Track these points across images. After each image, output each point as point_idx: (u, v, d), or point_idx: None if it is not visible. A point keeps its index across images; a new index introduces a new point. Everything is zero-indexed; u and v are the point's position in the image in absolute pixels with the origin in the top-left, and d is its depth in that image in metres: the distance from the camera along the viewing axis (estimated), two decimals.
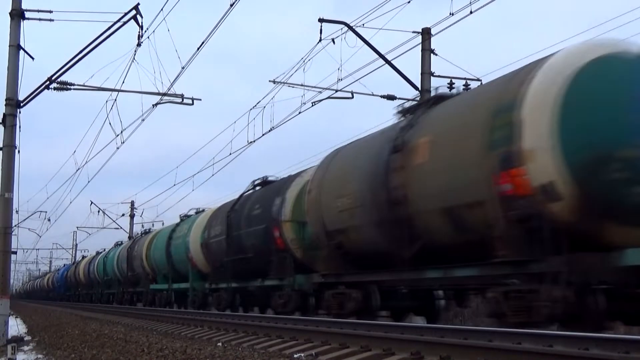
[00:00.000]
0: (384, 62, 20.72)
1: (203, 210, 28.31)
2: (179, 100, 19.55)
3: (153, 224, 45.42)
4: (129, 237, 50.05)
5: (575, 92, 9.30)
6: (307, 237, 17.00)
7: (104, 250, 51.48)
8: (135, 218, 57.11)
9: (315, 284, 15.92)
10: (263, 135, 23.16)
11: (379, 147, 13.31)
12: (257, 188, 22.01)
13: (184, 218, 30.27)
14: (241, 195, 22.34)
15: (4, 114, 17.01)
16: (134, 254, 36.64)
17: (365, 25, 20.39)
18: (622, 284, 9.12)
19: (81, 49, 16.75)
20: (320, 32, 20.35)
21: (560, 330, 9.07)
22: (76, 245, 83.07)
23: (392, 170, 12.44)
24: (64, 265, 78.90)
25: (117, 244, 47.71)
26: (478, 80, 22.39)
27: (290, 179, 19.17)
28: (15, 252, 19.22)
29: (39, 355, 12.67)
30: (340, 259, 14.64)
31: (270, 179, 21.57)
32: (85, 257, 60.77)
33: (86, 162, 25.64)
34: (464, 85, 22.29)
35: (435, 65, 21.44)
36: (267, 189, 20.64)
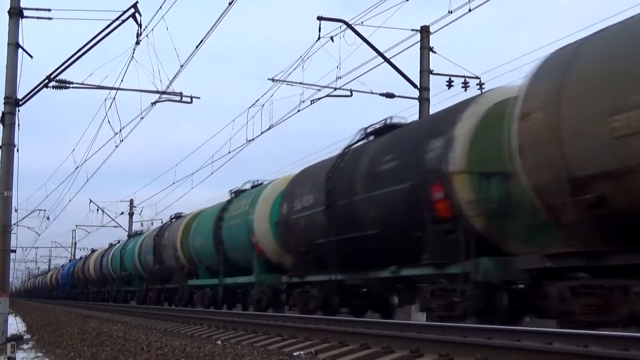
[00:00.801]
0: (383, 60, 20.73)
1: (261, 184, 22.68)
2: (178, 98, 19.55)
3: (152, 222, 45.47)
4: (128, 236, 49.97)
5: None
6: (497, 196, 11.38)
7: (118, 241, 46.52)
8: (134, 216, 57.14)
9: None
10: (262, 133, 23.15)
11: None
12: (372, 137, 15.62)
13: (237, 193, 23.76)
14: (347, 149, 15.94)
15: (3, 113, 17.00)
16: (163, 243, 30.28)
17: (364, 24, 20.43)
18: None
19: (80, 47, 16.74)
20: (319, 30, 20.36)
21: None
22: (75, 243, 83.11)
23: None
24: (69, 260, 74.59)
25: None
26: (477, 77, 22.44)
27: (455, 110, 12.71)
28: (14, 251, 19.19)
29: (39, 354, 12.68)
30: (600, 229, 8.79)
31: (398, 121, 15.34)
32: (96, 250, 53.30)
33: (85, 160, 25.68)
34: (462, 83, 22.35)
35: (434, 63, 21.51)
36: (405, 132, 14.42)
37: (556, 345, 7.19)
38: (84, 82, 18.40)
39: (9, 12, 16.94)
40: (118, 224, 56.08)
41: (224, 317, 16.64)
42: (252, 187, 22.97)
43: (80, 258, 61.01)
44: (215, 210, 24.45)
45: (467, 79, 22.42)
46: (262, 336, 11.62)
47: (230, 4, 15.03)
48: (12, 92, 16.92)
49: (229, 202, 23.71)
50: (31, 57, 17.06)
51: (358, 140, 15.88)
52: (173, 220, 31.64)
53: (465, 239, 11.25)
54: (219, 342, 11.26)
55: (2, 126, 17.09)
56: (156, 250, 31.18)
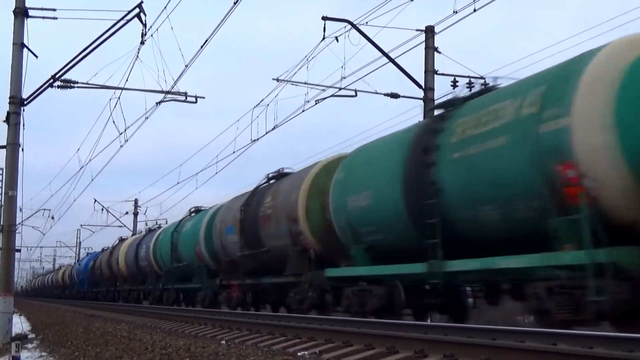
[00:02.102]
0: (388, 60, 20.71)
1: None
2: (183, 98, 19.58)
3: (157, 222, 45.41)
4: (132, 235, 49.98)
5: None
6: None
7: (158, 226, 38.32)
8: (138, 216, 57.17)
9: None
10: (267, 133, 23.18)
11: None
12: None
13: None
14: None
15: (8, 112, 17.03)
16: (261, 213, 19.84)
17: (368, 24, 20.40)
18: None
19: (85, 47, 16.79)
20: (324, 30, 20.36)
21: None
22: (80, 243, 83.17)
23: None
24: (87, 254, 63.86)
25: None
26: (481, 78, 22.35)
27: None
28: (19, 250, 19.23)
29: (43, 353, 12.70)
30: None
31: None
32: (125, 238, 46.20)
33: (90, 160, 25.68)
34: (467, 83, 22.29)
35: (439, 63, 21.48)
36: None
37: (561, 346, 7.17)
38: (89, 82, 18.46)
39: (14, 11, 16.97)
40: (123, 223, 56.14)
41: (228, 317, 16.64)
42: None
43: (103, 250, 50.50)
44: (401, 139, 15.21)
45: (472, 80, 22.37)
46: (266, 336, 11.62)
47: (235, 3, 15.03)
48: (17, 92, 16.96)
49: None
50: (36, 56, 17.10)
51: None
52: (270, 181, 21.46)
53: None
54: (223, 342, 11.25)
55: (7, 126, 17.12)
56: (248, 224, 20.82)
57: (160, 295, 32.25)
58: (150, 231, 37.44)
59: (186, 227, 28.61)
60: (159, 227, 36.72)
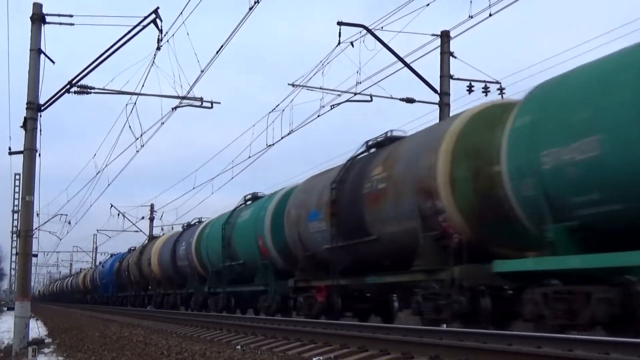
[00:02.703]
0: (403, 65, 20.69)
1: None
2: (198, 103, 19.61)
3: (172, 227, 45.51)
4: (149, 240, 50.06)
5: None
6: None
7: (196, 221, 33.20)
8: (154, 221, 57.29)
9: None
10: (282, 138, 23.17)
11: None
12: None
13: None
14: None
15: (25, 118, 17.13)
16: (367, 189, 15.08)
17: (384, 29, 20.37)
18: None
19: (101, 52, 16.86)
20: (339, 36, 20.36)
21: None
22: (96, 248, 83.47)
23: None
24: (111, 255, 56.73)
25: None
26: (497, 83, 22.34)
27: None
28: (36, 255, 19.33)
29: (60, 358, 12.74)
30: None
31: None
32: (158, 236, 42.38)
33: (106, 165, 25.76)
34: (482, 88, 22.27)
35: (455, 68, 21.43)
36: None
37: (577, 352, 7.14)
38: (105, 88, 18.52)
39: (31, 18, 17.08)
40: (139, 228, 56.19)
41: (243, 322, 16.66)
42: None
43: (131, 250, 45.91)
44: None
45: (487, 84, 22.35)
46: (281, 341, 11.63)
47: (250, 9, 15.07)
48: (34, 98, 17.06)
49: None
50: (53, 62, 17.19)
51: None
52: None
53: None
54: (239, 347, 11.28)
55: (24, 131, 17.23)
56: (347, 203, 16.04)
57: (204, 300, 27.22)
58: (189, 226, 32.09)
59: (242, 217, 23.72)
60: (199, 222, 31.24)
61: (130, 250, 46.12)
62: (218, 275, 25.37)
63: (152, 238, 44.28)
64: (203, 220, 31.03)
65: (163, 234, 39.06)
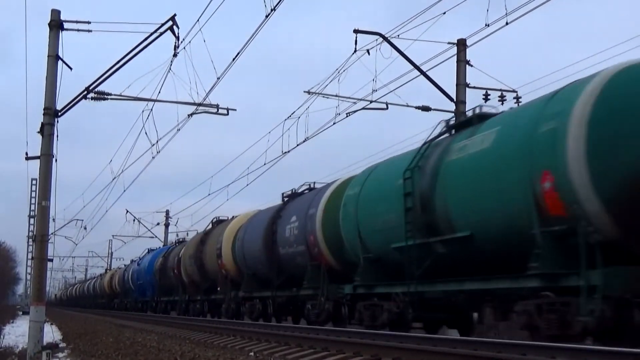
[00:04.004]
0: (419, 73, 20.67)
1: None
2: (214, 110, 19.66)
3: (187, 233, 45.52)
4: (164, 245, 50.11)
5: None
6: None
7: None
8: (170, 227, 57.45)
9: None
10: (297, 145, 23.15)
11: None
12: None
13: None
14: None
15: (42, 123, 17.24)
16: None
17: (400, 36, 20.37)
18: None
19: (118, 59, 16.95)
20: (355, 43, 20.37)
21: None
22: (111, 253, 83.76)
23: None
24: (148, 250, 46.65)
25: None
26: (514, 91, 22.29)
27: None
28: (51, 260, 19.41)
29: None
30: None
31: None
32: (220, 220, 29.86)
33: (122, 171, 25.83)
34: (499, 96, 22.21)
35: (471, 76, 21.38)
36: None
37: None
38: (122, 94, 18.60)
39: (49, 24, 17.20)
40: (154, 234, 56.29)
41: (256, 328, 16.65)
42: None
43: (178, 242, 38.53)
44: None
45: (504, 93, 22.30)
46: (294, 348, 11.61)
47: (267, 16, 15.10)
48: (52, 103, 17.16)
49: None
50: (70, 68, 17.30)
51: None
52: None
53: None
54: (252, 353, 11.27)
55: (41, 137, 17.33)
56: None
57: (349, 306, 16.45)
58: (294, 195, 21.31)
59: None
60: (312, 187, 20.84)
61: (177, 243, 38.43)
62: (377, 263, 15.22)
63: (177, 242, 38.26)
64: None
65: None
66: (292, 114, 23.22)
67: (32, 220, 44.18)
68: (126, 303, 48.35)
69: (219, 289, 26.69)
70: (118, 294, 53.04)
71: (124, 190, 30.75)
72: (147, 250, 47.33)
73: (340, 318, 17.38)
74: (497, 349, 8.62)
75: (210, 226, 30.42)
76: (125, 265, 54.60)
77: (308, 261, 18.22)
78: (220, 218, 29.95)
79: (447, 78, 21.55)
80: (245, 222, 24.32)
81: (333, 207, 17.13)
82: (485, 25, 17.66)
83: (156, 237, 56.70)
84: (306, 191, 20.57)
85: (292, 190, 21.28)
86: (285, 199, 21.54)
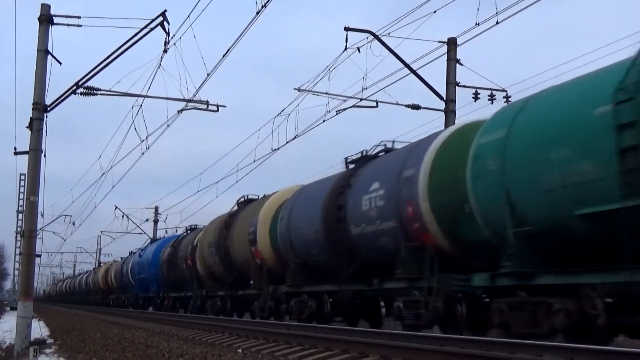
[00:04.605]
0: (409, 72, 20.70)
1: None
2: (204, 106, 19.66)
3: (177, 230, 45.44)
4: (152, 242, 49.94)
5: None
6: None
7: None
8: (159, 223, 57.36)
9: None
10: (287, 142, 23.10)
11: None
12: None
13: None
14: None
15: (31, 118, 17.18)
16: None
17: (390, 35, 20.40)
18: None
19: (108, 54, 16.92)
20: (346, 41, 20.37)
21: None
22: (100, 249, 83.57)
23: None
24: (151, 241, 43.83)
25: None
26: (503, 90, 22.34)
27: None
28: (39, 255, 19.38)
29: (61, 358, 12.76)
30: None
31: None
32: (250, 199, 24.66)
33: (111, 167, 25.80)
34: (488, 95, 22.27)
35: (461, 75, 21.41)
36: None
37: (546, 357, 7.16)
38: (112, 89, 18.57)
39: (39, 19, 17.14)
40: (143, 230, 56.15)
41: (244, 325, 16.65)
42: None
43: (190, 229, 32.90)
44: None
45: (493, 92, 22.36)
46: (282, 345, 11.61)
47: (257, 13, 15.09)
48: (41, 98, 17.11)
49: None
50: (60, 63, 17.25)
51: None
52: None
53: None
54: (240, 350, 11.27)
55: (29, 132, 17.27)
56: None
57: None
58: (365, 159, 16.50)
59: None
60: (390, 148, 16.27)
61: (189, 230, 33.15)
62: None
63: (189, 229, 32.96)
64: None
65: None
66: (282, 111, 23.20)
67: (20, 216, 43.96)
68: (124, 299, 44.19)
69: (251, 282, 21.61)
70: (114, 290, 48.96)
71: (113, 186, 30.74)
72: (149, 241, 44.05)
73: (456, 321, 12.14)
74: (485, 347, 8.65)
75: (235, 207, 25.07)
76: (122, 258, 50.94)
77: (402, 242, 13.33)
78: (249, 196, 24.59)
79: (437, 77, 21.60)
80: (292, 198, 19.32)
81: (446, 164, 12.70)
82: (476, 24, 17.71)
83: (145, 233, 56.55)
84: (381, 153, 16.12)
85: (362, 152, 16.56)
86: (350, 165, 16.97)
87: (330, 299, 17.06)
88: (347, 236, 15.39)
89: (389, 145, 16.17)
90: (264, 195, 22.98)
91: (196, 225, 32.55)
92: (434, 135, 13.65)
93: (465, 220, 11.80)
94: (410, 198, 13.06)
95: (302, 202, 18.25)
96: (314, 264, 17.46)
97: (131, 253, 45.97)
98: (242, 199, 24.80)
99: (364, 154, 16.53)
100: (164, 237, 41.75)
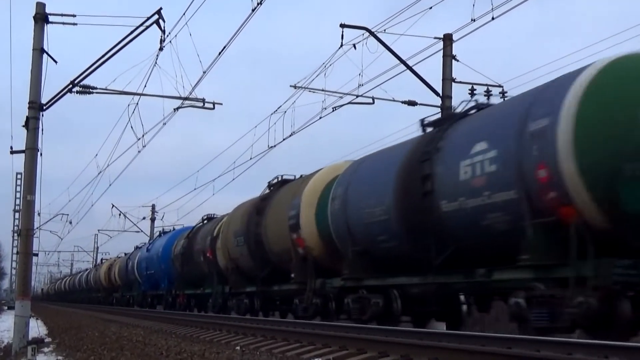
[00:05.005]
0: (406, 68, 20.69)
1: None
2: (200, 104, 19.63)
3: (174, 228, 45.42)
4: (150, 240, 49.88)
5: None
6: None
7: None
8: (155, 222, 57.22)
9: None
10: (284, 139, 23.06)
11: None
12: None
13: None
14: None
15: (27, 117, 17.15)
16: None
17: (386, 31, 20.38)
18: None
19: (104, 53, 16.89)
20: (342, 38, 20.35)
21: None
22: (97, 248, 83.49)
23: None
24: (160, 234, 39.85)
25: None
26: (499, 86, 22.34)
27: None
28: (36, 254, 19.35)
29: (59, 357, 12.73)
30: None
31: None
32: (285, 180, 21.26)
33: (108, 165, 25.76)
34: (485, 91, 22.27)
35: (457, 71, 21.41)
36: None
37: (577, 356, 7.13)
38: (108, 88, 18.53)
39: (34, 17, 17.10)
40: (140, 229, 56.09)
41: (242, 322, 16.65)
42: None
43: (208, 219, 29.56)
44: None
45: (490, 88, 22.36)
46: (280, 342, 11.62)
47: (253, 10, 15.08)
48: (37, 97, 17.07)
49: None
50: (56, 62, 17.21)
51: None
52: None
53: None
54: (238, 347, 11.28)
55: (26, 131, 17.24)
56: None
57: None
58: (453, 117, 13.27)
59: None
60: (483, 105, 13.15)
61: (206, 220, 29.59)
62: None
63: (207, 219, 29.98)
64: None
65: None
66: (278, 108, 23.15)
67: (17, 215, 43.90)
68: (129, 298, 41.47)
69: (292, 275, 18.09)
70: (118, 287, 46.16)
71: (110, 185, 30.80)
72: (159, 234, 40.16)
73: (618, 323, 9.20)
74: (483, 343, 8.65)
75: (267, 190, 21.86)
76: (126, 253, 48.75)
77: (528, 217, 10.15)
78: (285, 177, 21.25)
79: (433, 73, 21.59)
80: (347, 173, 15.91)
81: (600, 109, 9.52)
82: (472, 20, 17.71)
83: (142, 231, 56.53)
84: (473, 111, 12.72)
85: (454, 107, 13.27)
86: (427, 128, 13.79)
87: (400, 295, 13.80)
88: (435, 215, 11.98)
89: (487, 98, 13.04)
90: (301, 176, 20.17)
91: (213, 214, 29.36)
92: (574, 74, 10.08)
93: (631, 185, 9.18)
94: (544, 158, 9.84)
95: (363, 176, 14.88)
96: (380, 252, 14.07)
97: (137, 248, 43.89)
98: (275, 180, 21.48)
99: (452, 112, 12.88)
100: (172, 229, 37.61)
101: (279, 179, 21.26)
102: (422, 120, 13.96)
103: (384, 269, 14.15)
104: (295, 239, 17.84)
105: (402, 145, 14.31)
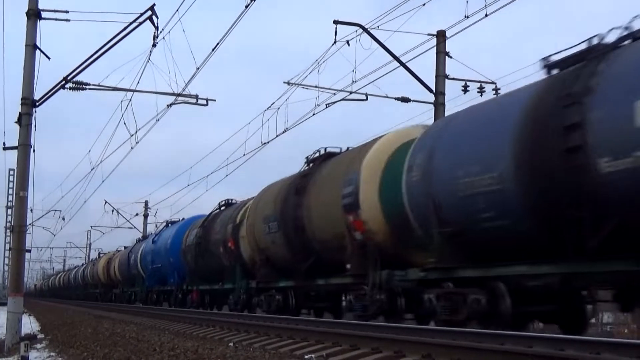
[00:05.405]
0: (399, 64, 20.70)
1: None
2: (194, 100, 19.63)
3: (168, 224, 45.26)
4: (143, 237, 49.78)
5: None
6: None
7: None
8: (148, 218, 57.10)
9: None
10: (277, 136, 23.08)
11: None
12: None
13: None
14: None
15: (20, 113, 17.13)
16: None
17: (380, 28, 20.37)
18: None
19: (97, 49, 16.88)
20: (335, 34, 20.34)
21: None
22: (90, 244, 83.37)
23: None
24: (167, 224, 35.51)
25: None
26: (492, 83, 22.37)
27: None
28: (29, 251, 19.34)
29: (52, 353, 12.75)
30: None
31: None
32: (331, 153, 17.68)
33: (101, 161, 25.74)
34: (478, 88, 22.30)
35: (450, 67, 21.44)
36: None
37: (569, 352, 7.16)
38: (101, 84, 18.53)
39: (27, 13, 17.07)
40: (133, 225, 56.11)
41: (236, 319, 16.65)
42: None
43: (226, 204, 26.11)
44: None
45: (483, 84, 22.39)
46: (274, 339, 11.63)
47: (246, 7, 15.07)
48: (29, 93, 17.05)
49: None
50: (48, 58, 17.21)
51: None
52: None
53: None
54: (231, 344, 11.27)
55: (18, 127, 17.22)
56: None
57: None
58: (603, 49, 9.45)
59: None
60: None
61: (223, 207, 26.03)
62: None
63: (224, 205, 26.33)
64: None
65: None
66: (271, 104, 23.14)
67: (9, 211, 43.82)
68: (131, 294, 38.46)
69: (348, 266, 14.92)
70: (119, 283, 42.81)
71: (103, 181, 30.73)
72: (165, 225, 35.99)
73: None
74: (476, 339, 8.67)
75: (306, 167, 18.36)
76: (125, 247, 45.82)
77: None
78: (330, 150, 17.84)
79: (427, 69, 21.61)
80: (428, 135, 12.70)
81: None
82: (465, 17, 17.73)
83: (135, 227, 56.44)
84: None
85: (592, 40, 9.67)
86: (551, 71, 10.30)
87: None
88: (587, 180, 8.85)
89: None
90: (347, 149, 17.27)
91: (233, 199, 26.10)
92: None
93: None
94: None
95: (457, 138, 11.59)
96: (483, 234, 10.85)
97: (139, 240, 41.40)
98: (317, 154, 18.10)
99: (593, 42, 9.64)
100: (182, 218, 33.23)
101: (322, 151, 18.00)
102: (544, 59, 10.39)
103: (485, 255, 10.97)
104: (351, 221, 14.68)
105: (517, 93, 10.87)
